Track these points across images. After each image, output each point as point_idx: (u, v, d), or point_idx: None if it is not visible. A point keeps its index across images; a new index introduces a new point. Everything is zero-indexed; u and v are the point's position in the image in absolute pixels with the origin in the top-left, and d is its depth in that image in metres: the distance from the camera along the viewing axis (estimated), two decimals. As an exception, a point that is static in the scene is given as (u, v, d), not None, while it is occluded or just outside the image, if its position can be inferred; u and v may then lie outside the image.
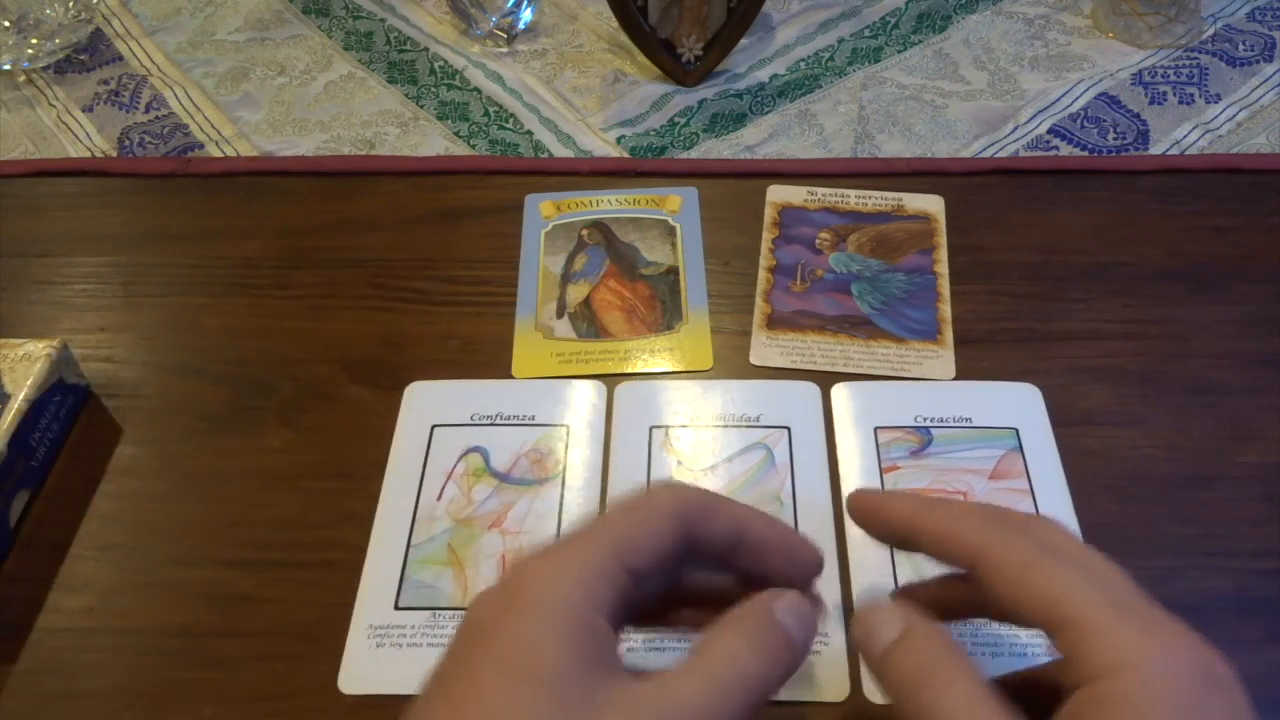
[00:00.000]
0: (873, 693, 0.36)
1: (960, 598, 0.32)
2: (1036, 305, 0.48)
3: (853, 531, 0.40)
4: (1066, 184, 0.54)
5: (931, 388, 0.45)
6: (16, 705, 0.37)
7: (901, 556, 0.40)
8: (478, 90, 0.61)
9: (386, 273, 0.51)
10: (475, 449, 0.44)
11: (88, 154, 0.58)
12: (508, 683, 0.24)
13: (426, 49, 0.64)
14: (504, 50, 0.64)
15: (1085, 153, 0.55)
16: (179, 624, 0.39)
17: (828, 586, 0.39)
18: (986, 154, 0.56)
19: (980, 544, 0.28)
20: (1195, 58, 0.61)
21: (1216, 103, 0.58)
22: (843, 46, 0.63)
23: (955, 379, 0.46)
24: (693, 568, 0.30)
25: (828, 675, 0.37)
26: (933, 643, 0.27)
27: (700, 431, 0.44)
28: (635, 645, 0.38)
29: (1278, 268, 0.49)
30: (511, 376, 0.47)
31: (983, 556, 0.27)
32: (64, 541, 0.42)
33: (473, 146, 0.58)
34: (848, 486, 0.42)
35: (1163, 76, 0.60)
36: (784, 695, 0.36)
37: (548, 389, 0.46)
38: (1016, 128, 0.57)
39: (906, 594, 0.33)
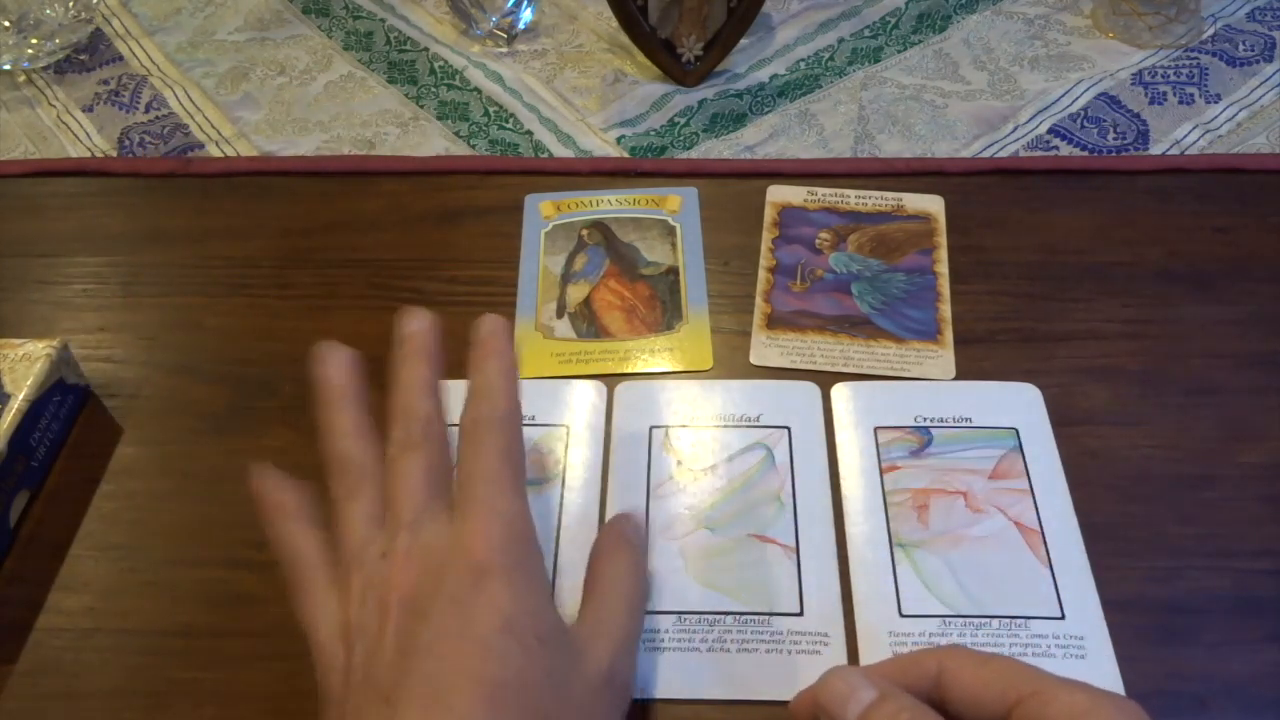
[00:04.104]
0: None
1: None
2: (1036, 305, 0.48)
3: (853, 531, 0.41)
4: (1066, 184, 0.54)
5: (931, 388, 0.45)
6: (16, 705, 0.37)
7: (901, 554, 0.40)
8: (478, 90, 0.61)
9: (386, 273, 0.51)
10: (475, 449, 0.44)
11: (88, 154, 0.58)
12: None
13: (426, 49, 0.64)
14: (504, 50, 0.64)
15: (1085, 153, 0.55)
16: (179, 624, 0.39)
17: (828, 587, 0.39)
18: (986, 154, 0.56)
19: (937, 654, 0.29)
20: (1195, 58, 0.61)
21: (1216, 103, 0.58)
22: (843, 46, 0.63)
23: (955, 379, 0.46)
24: None
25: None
26: (909, 702, 0.27)
27: (700, 431, 0.44)
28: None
29: (1278, 268, 0.49)
30: (511, 376, 0.46)
31: (942, 659, 0.29)
32: (64, 541, 0.42)
33: (473, 146, 0.58)
34: (848, 486, 0.42)
35: (1163, 76, 0.60)
36: (782, 695, 0.36)
37: (548, 389, 0.46)
38: (1016, 128, 0.57)
39: None
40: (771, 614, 0.38)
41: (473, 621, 0.28)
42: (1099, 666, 0.36)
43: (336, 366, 0.34)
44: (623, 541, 0.35)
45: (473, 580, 0.28)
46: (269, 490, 0.33)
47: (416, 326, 0.35)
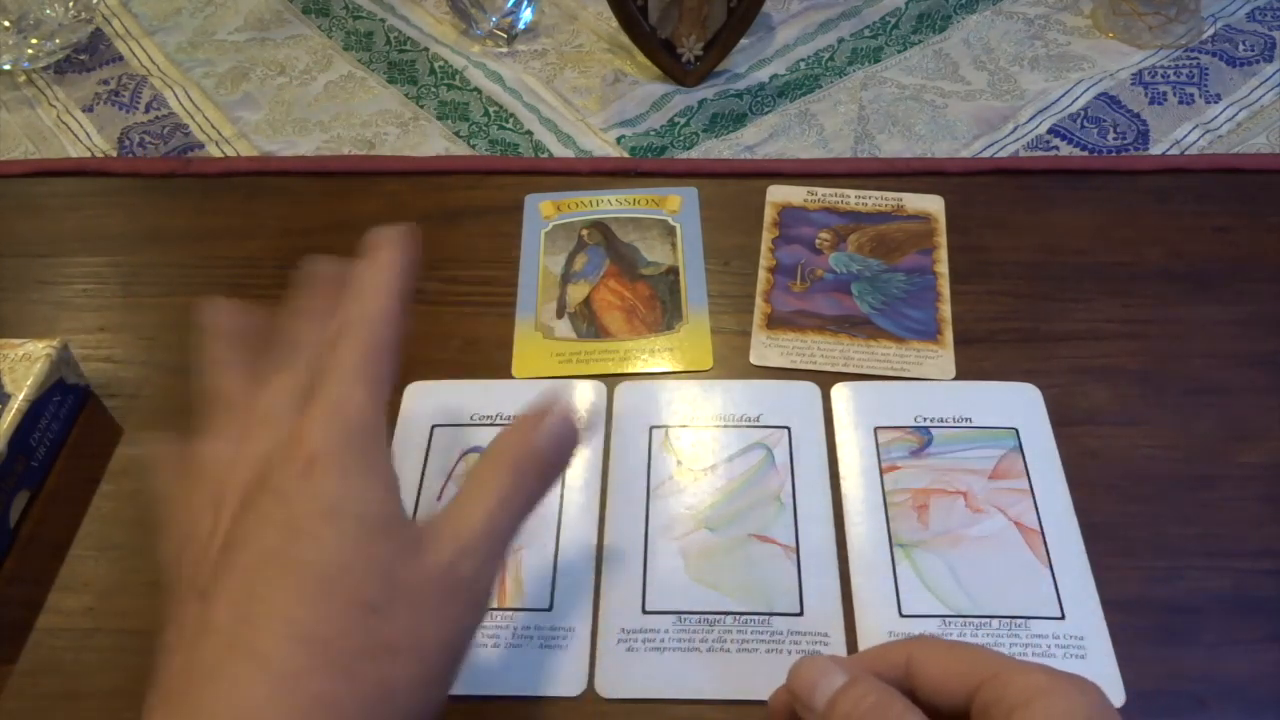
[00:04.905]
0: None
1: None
2: (1036, 305, 0.48)
3: (853, 531, 0.41)
4: (1066, 184, 0.54)
5: (931, 388, 0.45)
6: (16, 705, 0.37)
7: (901, 554, 0.40)
8: (478, 90, 0.61)
9: (386, 273, 0.51)
10: (475, 449, 0.44)
11: (88, 154, 0.58)
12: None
13: (426, 49, 0.64)
14: (504, 50, 0.64)
15: (1085, 153, 0.55)
16: (179, 624, 0.39)
17: (828, 588, 0.39)
18: (986, 154, 0.56)
19: (907, 645, 0.31)
20: (1195, 58, 0.61)
21: (1216, 103, 0.58)
22: (843, 46, 0.63)
23: (955, 379, 0.46)
24: None
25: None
26: (877, 685, 0.28)
27: (700, 431, 0.44)
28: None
29: (1278, 268, 0.49)
30: (511, 377, 0.47)
31: (911, 649, 0.30)
32: (64, 541, 0.42)
33: (473, 146, 0.58)
34: (848, 486, 0.42)
35: (1163, 76, 0.60)
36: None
37: (548, 389, 0.46)
38: (1016, 128, 0.57)
39: None
40: (771, 614, 0.38)
41: (292, 509, 0.27)
42: (1099, 666, 0.36)
43: (216, 313, 0.36)
44: (517, 444, 0.31)
45: (300, 470, 0.27)
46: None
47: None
